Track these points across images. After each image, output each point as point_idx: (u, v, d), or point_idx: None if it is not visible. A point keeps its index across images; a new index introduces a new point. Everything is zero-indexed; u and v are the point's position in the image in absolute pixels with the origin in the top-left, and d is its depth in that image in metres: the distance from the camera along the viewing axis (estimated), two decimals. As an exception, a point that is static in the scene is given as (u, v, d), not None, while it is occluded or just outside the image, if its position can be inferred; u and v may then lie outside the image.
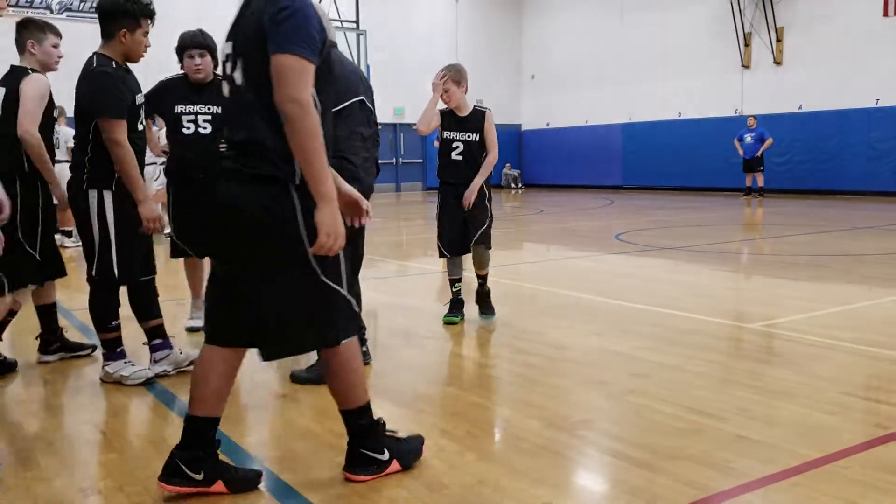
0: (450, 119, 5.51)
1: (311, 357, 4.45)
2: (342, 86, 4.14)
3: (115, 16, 3.97)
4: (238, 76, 2.73)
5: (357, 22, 23.09)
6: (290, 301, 2.73)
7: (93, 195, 4.07)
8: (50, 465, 3.16)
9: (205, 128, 5.10)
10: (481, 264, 5.66)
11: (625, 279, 7.65)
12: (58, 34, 4.64)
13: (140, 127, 4.19)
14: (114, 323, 4.30)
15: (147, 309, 4.44)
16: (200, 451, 2.79)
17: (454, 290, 5.74)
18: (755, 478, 2.89)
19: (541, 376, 4.03)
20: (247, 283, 2.75)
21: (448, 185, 5.57)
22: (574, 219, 15.07)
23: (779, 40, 20.26)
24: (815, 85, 19.29)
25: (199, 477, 2.77)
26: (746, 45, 20.92)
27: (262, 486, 2.90)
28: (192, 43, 5.04)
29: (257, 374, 4.46)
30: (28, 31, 4.55)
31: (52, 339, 4.81)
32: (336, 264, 2.78)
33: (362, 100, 4.24)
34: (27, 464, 3.18)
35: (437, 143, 5.78)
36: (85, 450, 3.33)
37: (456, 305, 5.72)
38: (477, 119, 5.50)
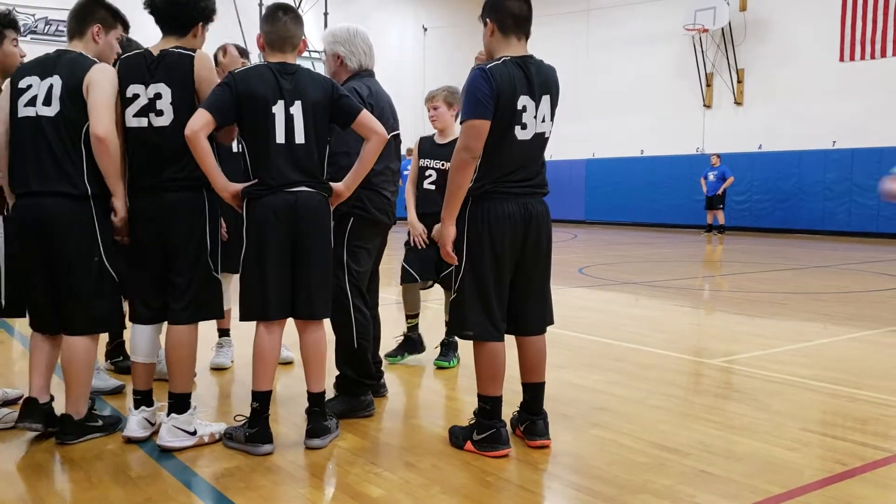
0: (427, 146, 5.33)
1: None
2: (381, 120, 3.92)
3: None
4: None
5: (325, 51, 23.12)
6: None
7: None
8: (7, 496, 3.09)
9: None
10: None
11: (588, 313, 7.70)
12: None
13: None
14: None
15: None
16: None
17: (409, 325, 5.44)
18: (717, 513, 2.92)
19: (504, 409, 4.02)
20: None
21: (419, 215, 5.26)
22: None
23: (739, 81, 20.75)
24: (774, 126, 19.73)
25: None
26: (708, 85, 21.37)
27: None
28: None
29: (222, 404, 4.41)
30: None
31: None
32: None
33: (397, 134, 4.24)
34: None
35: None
36: (45, 479, 3.25)
37: (450, 347, 5.36)
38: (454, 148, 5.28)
